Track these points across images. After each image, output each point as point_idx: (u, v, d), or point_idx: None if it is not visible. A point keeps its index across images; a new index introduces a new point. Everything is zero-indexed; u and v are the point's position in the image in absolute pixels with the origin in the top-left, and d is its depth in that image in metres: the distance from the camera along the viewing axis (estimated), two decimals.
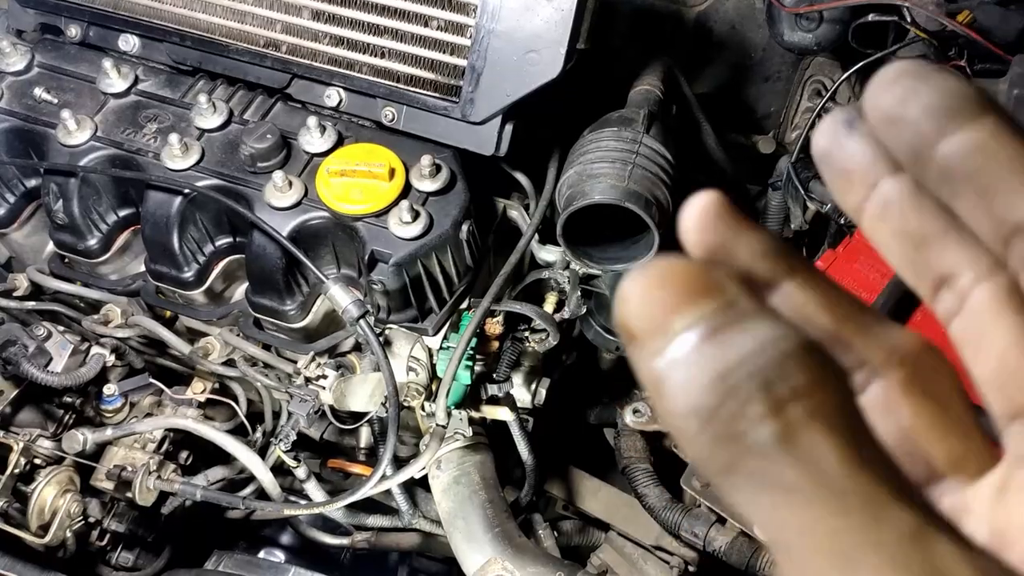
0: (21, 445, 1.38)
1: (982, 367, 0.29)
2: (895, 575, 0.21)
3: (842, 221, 1.44)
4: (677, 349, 0.24)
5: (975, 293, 0.28)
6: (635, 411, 1.59)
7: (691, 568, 1.53)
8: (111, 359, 1.46)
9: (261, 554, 1.63)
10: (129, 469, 1.41)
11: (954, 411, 0.30)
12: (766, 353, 0.23)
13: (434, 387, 1.47)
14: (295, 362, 1.42)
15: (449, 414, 1.44)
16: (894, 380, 0.30)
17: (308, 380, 1.36)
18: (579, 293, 1.51)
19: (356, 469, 1.62)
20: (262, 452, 1.47)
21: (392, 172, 1.35)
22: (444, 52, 1.38)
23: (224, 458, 1.53)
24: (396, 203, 1.33)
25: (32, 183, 1.52)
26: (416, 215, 1.32)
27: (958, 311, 0.29)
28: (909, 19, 1.41)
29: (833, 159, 0.30)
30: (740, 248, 0.29)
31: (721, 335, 0.23)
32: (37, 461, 1.42)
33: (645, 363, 0.25)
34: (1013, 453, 0.28)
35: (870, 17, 1.43)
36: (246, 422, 1.52)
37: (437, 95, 1.40)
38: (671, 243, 1.36)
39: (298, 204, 1.35)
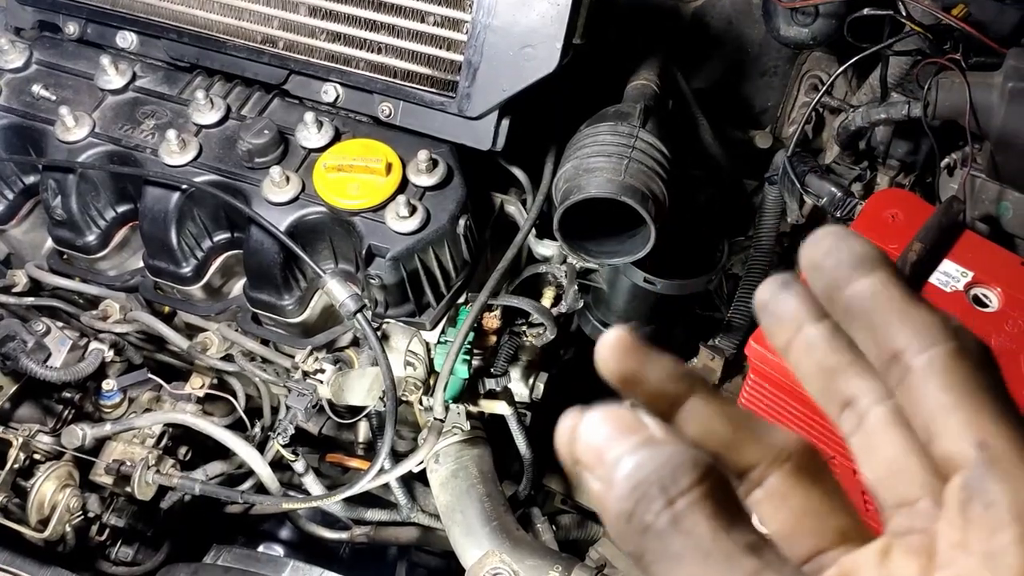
0: (20, 440, 1.39)
1: (874, 471, 0.38)
2: None
3: (838, 215, 1.44)
4: (609, 474, 0.34)
5: (870, 415, 0.37)
6: (633, 405, 1.59)
7: None
8: (110, 355, 1.46)
9: (260, 548, 1.64)
10: (128, 464, 1.41)
11: (838, 495, 0.39)
12: (665, 468, 0.33)
13: (432, 381, 1.48)
14: (293, 357, 1.43)
15: (447, 408, 1.45)
16: (784, 472, 0.39)
17: (306, 374, 1.37)
18: (576, 287, 1.52)
19: (354, 463, 1.62)
20: (261, 447, 1.47)
21: (389, 167, 1.35)
22: (440, 47, 1.38)
23: (223, 453, 1.54)
24: (393, 198, 1.33)
25: (31, 180, 1.52)
26: (413, 210, 1.32)
27: (857, 429, 0.38)
28: (904, 13, 1.41)
29: (770, 308, 0.39)
30: (650, 374, 0.39)
31: (637, 460, 0.33)
32: (36, 456, 1.43)
33: (591, 485, 0.35)
34: (893, 528, 0.37)
35: (865, 11, 1.43)
36: (244, 417, 1.52)
37: (434, 90, 1.40)
38: (665, 236, 1.37)
39: (295, 199, 1.35)
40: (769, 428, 0.39)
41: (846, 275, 0.36)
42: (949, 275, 1.27)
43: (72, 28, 1.55)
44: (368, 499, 1.60)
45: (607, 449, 0.34)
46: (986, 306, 1.25)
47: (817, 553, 0.38)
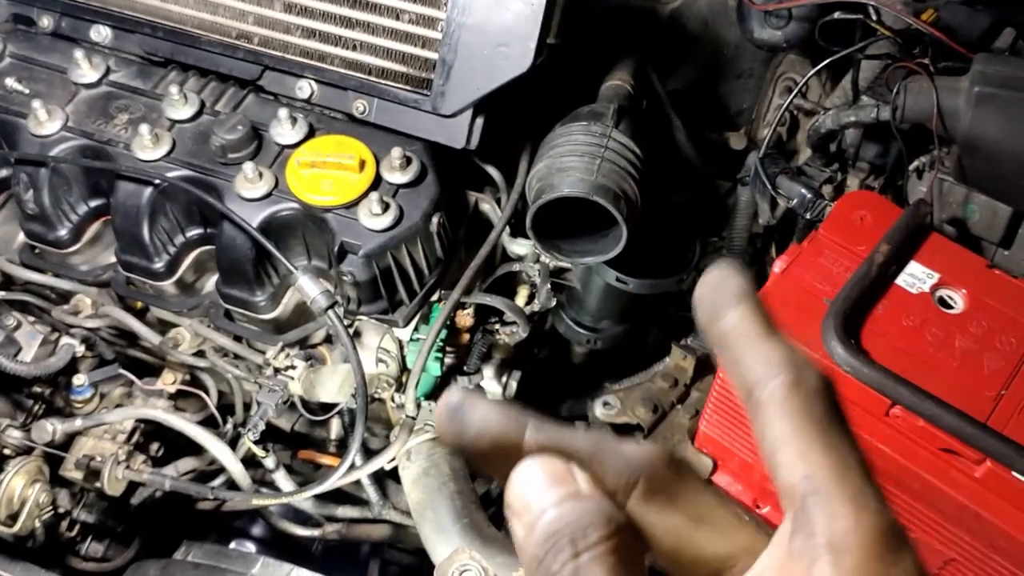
0: None
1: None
2: None
3: (808, 216, 1.45)
4: (532, 522, 0.36)
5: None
6: (605, 404, 1.60)
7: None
8: (81, 349, 1.45)
9: (232, 545, 1.64)
10: (98, 459, 1.41)
11: (710, 516, 0.39)
12: (579, 522, 0.35)
13: (404, 379, 1.48)
14: (265, 353, 1.42)
15: (419, 406, 1.45)
16: (636, 498, 0.39)
17: (277, 371, 1.37)
18: (549, 286, 1.52)
19: (326, 460, 1.62)
20: (232, 443, 1.47)
21: (362, 164, 1.35)
22: (415, 45, 1.38)
23: (194, 449, 1.53)
24: (366, 195, 1.34)
25: (3, 173, 1.52)
26: (386, 207, 1.33)
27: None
28: (875, 17, 1.42)
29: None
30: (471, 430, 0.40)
31: (558, 512, 0.35)
32: (6, 451, 1.42)
33: (514, 529, 0.36)
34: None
35: (836, 15, 1.44)
36: (216, 413, 1.52)
37: (408, 88, 1.40)
38: (638, 235, 1.38)
39: (268, 195, 1.35)
40: (616, 450, 0.39)
41: (717, 311, 0.39)
42: (916, 276, 1.28)
43: (46, 21, 1.54)
44: (340, 496, 1.60)
45: (535, 499, 0.36)
46: (951, 308, 1.26)
47: (717, 573, 0.38)
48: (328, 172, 1.35)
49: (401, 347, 1.48)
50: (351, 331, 1.42)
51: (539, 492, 0.36)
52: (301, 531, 1.62)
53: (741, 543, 0.38)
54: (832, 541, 0.34)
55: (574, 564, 0.33)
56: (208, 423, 1.50)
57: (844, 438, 0.36)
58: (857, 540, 0.34)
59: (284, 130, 1.40)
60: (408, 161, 1.37)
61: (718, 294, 0.39)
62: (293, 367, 1.36)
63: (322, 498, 1.57)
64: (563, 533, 0.34)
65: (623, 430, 1.63)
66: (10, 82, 1.47)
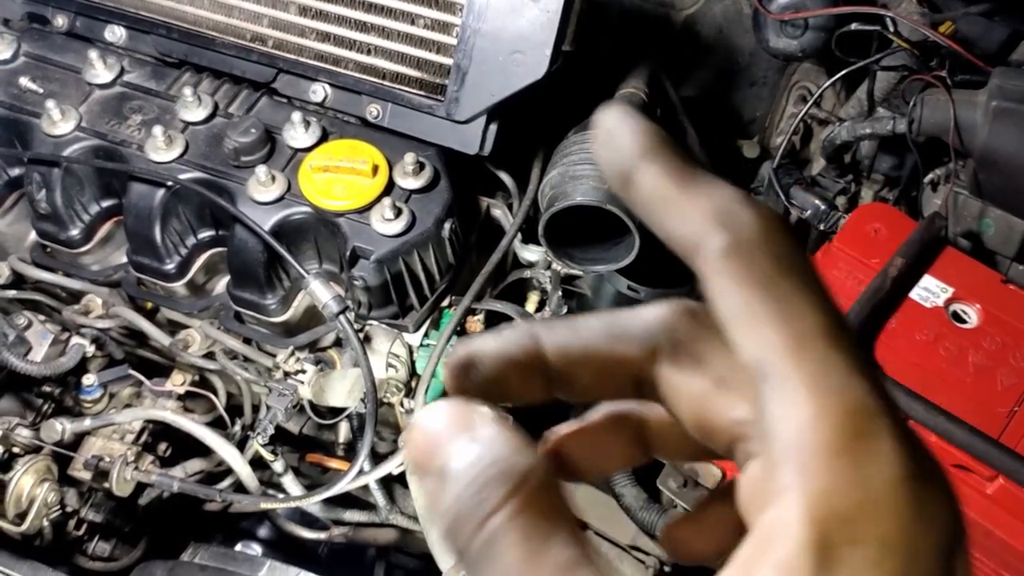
0: (0, 433, 1.38)
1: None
2: None
3: (822, 228, 1.45)
4: (434, 486, 0.30)
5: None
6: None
7: (666, 568, 1.54)
8: (91, 349, 1.46)
9: (238, 547, 1.64)
10: (107, 459, 1.41)
11: (734, 378, 0.33)
12: (482, 479, 0.29)
13: (413, 384, 1.48)
14: (275, 356, 1.42)
15: None
16: (663, 360, 0.34)
17: (287, 374, 1.37)
18: (560, 293, 1.52)
19: (334, 464, 1.62)
20: (241, 445, 1.47)
21: (375, 169, 1.35)
22: (430, 50, 1.38)
23: (203, 450, 1.53)
24: (379, 200, 1.33)
25: (15, 172, 1.51)
26: (398, 212, 1.32)
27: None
28: (892, 29, 1.42)
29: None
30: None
31: (456, 470, 0.30)
32: (15, 450, 1.42)
33: (423, 491, 0.31)
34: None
35: (853, 26, 1.44)
36: (225, 415, 1.52)
37: (422, 93, 1.40)
38: (652, 245, 1.37)
39: (281, 199, 1.35)
40: (631, 320, 0.34)
41: (625, 174, 0.32)
42: (929, 290, 1.27)
43: (61, 21, 1.54)
44: (347, 500, 1.60)
45: (433, 454, 0.31)
46: (965, 322, 1.25)
47: (734, 442, 0.33)
48: (341, 176, 1.35)
49: (411, 352, 1.48)
50: (362, 336, 1.42)
51: (438, 445, 0.31)
52: (308, 534, 1.62)
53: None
54: (789, 445, 0.26)
55: (483, 536, 0.28)
56: (217, 424, 1.50)
57: (802, 297, 0.28)
58: (820, 437, 0.26)
59: (297, 133, 1.40)
60: (421, 167, 1.37)
61: (620, 151, 0.32)
62: (303, 371, 1.36)
63: (329, 501, 1.57)
64: (468, 500, 0.29)
65: None
66: (24, 81, 1.47)
